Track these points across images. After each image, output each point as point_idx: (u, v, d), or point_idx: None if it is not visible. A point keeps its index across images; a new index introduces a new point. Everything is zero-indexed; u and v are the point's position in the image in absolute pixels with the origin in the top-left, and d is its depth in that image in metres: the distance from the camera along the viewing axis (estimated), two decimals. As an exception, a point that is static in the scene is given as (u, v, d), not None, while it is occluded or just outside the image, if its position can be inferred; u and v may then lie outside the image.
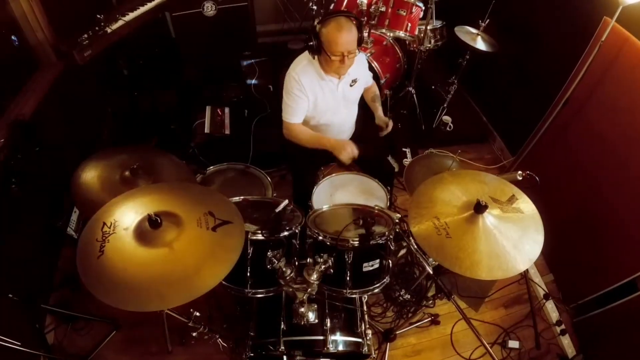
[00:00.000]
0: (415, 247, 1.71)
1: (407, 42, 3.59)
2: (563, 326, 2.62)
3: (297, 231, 1.84)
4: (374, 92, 2.57)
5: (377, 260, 1.83)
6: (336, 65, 2.12)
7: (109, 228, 1.41)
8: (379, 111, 2.51)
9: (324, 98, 2.30)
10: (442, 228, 1.59)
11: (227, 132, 3.49)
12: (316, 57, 2.18)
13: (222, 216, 1.50)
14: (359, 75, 2.37)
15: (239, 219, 1.53)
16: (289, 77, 2.24)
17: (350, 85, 2.35)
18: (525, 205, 1.72)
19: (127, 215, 1.46)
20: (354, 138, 2.61)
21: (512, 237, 1.58)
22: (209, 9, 3.39)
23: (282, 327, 1.87)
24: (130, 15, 2.84)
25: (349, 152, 2.17)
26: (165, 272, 1.33)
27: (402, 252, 2.60)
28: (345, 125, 2.55)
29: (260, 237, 1.73)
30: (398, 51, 3.57)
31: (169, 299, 1.28)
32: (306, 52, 2.21)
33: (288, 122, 2.31)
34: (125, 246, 1.37)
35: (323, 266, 1.70)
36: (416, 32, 3.38)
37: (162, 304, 1.29)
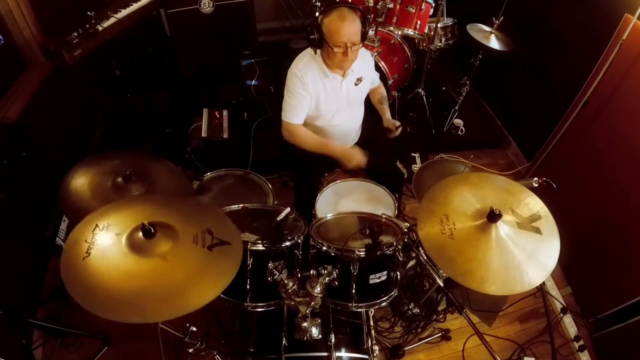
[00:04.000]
0: (425, 258, 1.70)
1: (416, 41, 3.61)
2: (582, 342, 2.61)
3: (299, 241, 1.83)
4: (380, 94, 2.58)
5: (385, 272, 1.82)
6: (339, 58, 2.12)
7: (101, 230, 1.42)
8: (386, 114, 2.51)
9: (327, 97, 2.30)
10: (448, 228, 1.58)
11: (226, 136, 3.49)
12: (319, 52, 2.19)
13: (221, 236, 1.50)
14: (364, 73, 2.37)
15: (239, 242, 1.53)
16: (291, 74, 2.24)
17: (355, 84, 2.35)
18: (541, 211, 1.70)
19: (121, 220, 1.46)
20: (361, 142, 2.62)
21: (527, 248, 1.56)
22: (207, 6, 3.41)
23: (283, 342, 1.87)
24: (123, 13, 2.87)
25: (357, 161, 2.16)
26: (150, 285, 1.32)
27: (411, 263, 2.60)
28: (350, 128, 2.54)
29: (260, 247, 1.72)
30: (407, 50, 3.59)
31: (148, 314, 1.27)
32: (309, 48, 2.22)
33: (288, 123, 2.29)
34: (114, 251, 1.37)
35: (327, 278, 1.69)
36: (426, 30, 3.39)
37: (140, 317, 1.27)
